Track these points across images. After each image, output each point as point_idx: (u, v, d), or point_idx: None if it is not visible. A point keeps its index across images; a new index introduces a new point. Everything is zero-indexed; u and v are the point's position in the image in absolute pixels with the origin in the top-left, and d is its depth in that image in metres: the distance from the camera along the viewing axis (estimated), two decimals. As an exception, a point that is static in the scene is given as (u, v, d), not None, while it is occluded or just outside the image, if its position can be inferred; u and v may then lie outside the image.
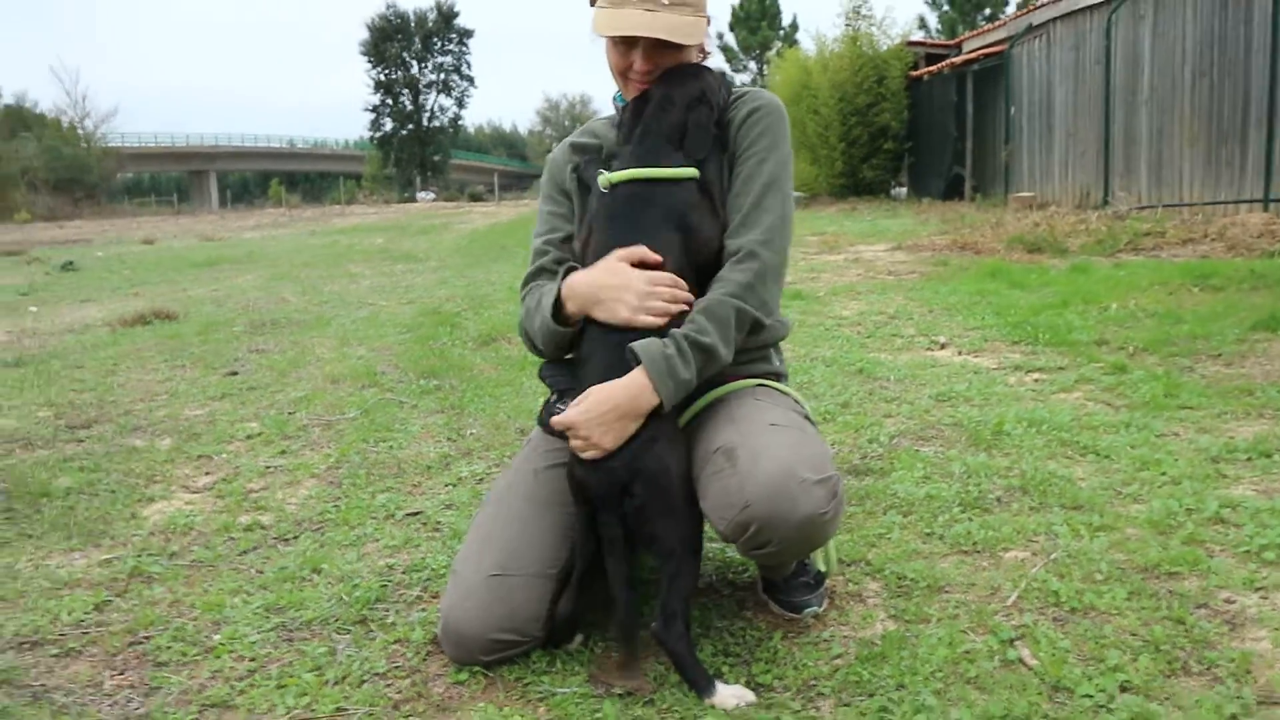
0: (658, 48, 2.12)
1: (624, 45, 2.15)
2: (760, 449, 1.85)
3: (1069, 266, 7.80)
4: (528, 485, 2.17)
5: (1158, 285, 6.61)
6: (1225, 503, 2.74)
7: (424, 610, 2.40)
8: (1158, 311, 5.75)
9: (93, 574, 2.79)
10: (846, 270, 9.42)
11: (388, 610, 2.44)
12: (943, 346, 5.39)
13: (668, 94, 2.12)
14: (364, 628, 2.36)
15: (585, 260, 2.12)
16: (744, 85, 2.31)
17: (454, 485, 3.42)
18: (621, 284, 1.97)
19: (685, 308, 1.99)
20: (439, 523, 3.04)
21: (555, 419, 1.96)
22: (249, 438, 4.19)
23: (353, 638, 2.29)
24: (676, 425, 2.03)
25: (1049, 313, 5.91)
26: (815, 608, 2.24)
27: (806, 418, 2.15)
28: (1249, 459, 3.17)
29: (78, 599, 2.59)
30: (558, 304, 2.06)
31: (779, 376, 2.38)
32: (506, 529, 2.10)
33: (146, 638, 2.35)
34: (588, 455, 1.91)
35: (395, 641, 2.25)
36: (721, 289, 2.03)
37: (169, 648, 2.29)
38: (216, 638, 2.32)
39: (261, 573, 2.73)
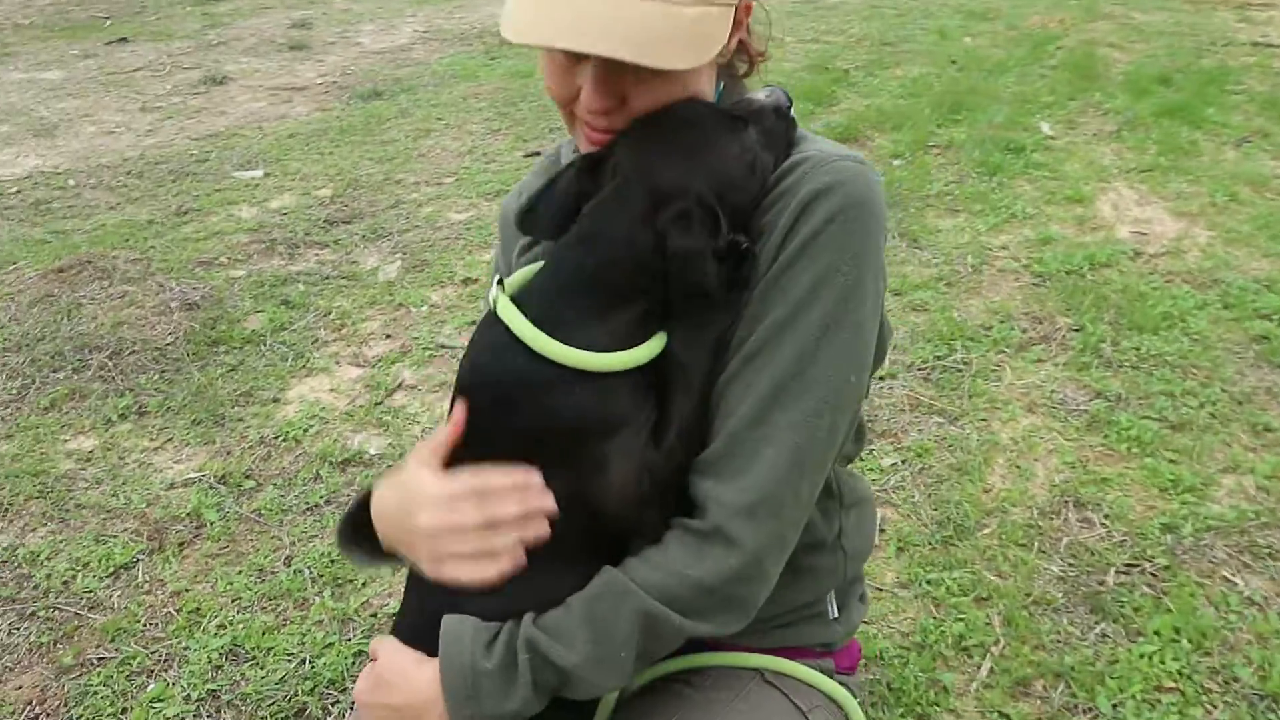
0: (618, 70, 1.07)
1: (563, 56, 1.11)
2: None
3: None
4: None
5: None
6: None
7: (344, 740, 1.95)
8: None
9: (164, 501, 2.64)
10: None
11: (335, 702, 2.02)
12: None
13: (631, 188, 1.11)
14: (293, 727, 1.98)
15: None
16: (813, 136, 1.20)
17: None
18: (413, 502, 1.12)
19: (535, 537, 1.08)
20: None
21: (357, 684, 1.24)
22: (464, 282, 3.79)
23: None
24: None
25: None
26: None
27: None
28: None
29: (113, 551, 2.46)
30: (358, 514, 1.24)
31: (828, 646, 1.39)
32: None
33: (95, 661, 2.15)
34: None
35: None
36: (643, 568, 1.08)
37: (95, 693, 2.07)
38: (143, 695, 2.06)
39: (288, 564, 2.42)
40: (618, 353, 1.06)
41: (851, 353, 1.08)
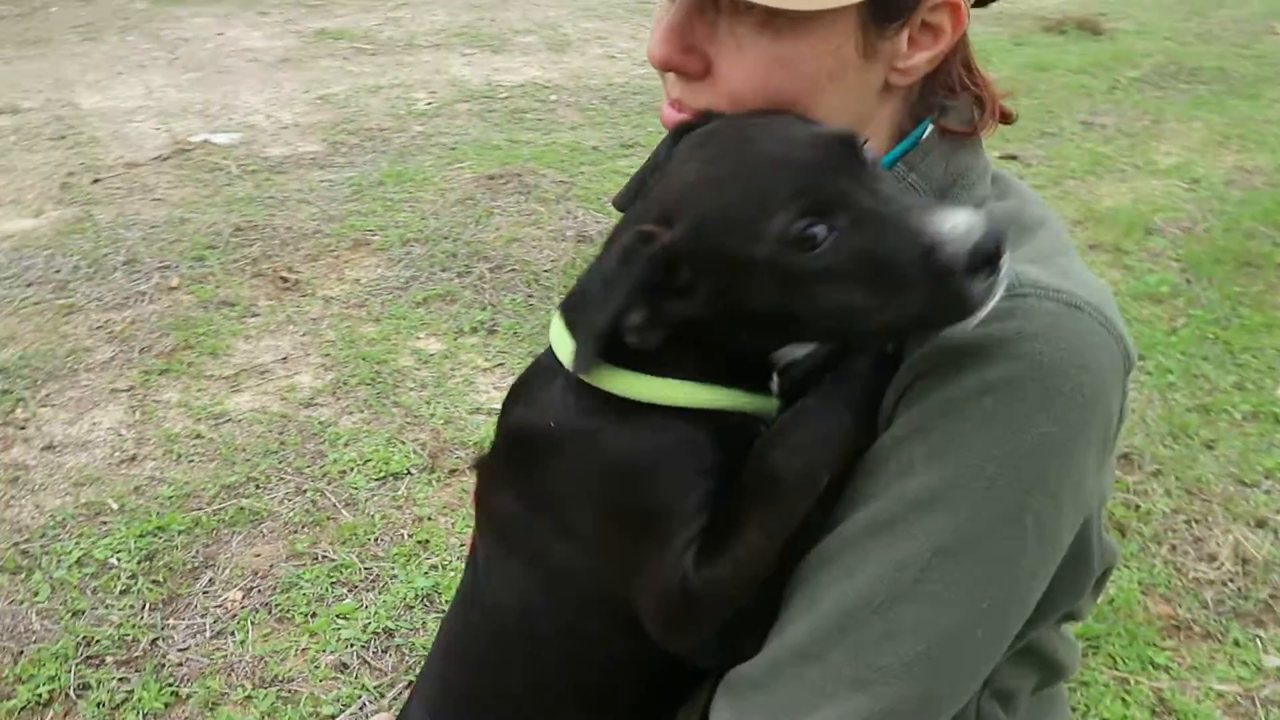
0: (704, 12, 0.74)
1: None
2: None
3: None
4: None
5: None
6: None
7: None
8: None
9: (460, 424, 2.68)
10: None
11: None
12: None
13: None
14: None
15: None
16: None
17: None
18: None
19: None
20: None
21: None
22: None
23: None
24: None
25: None
26: None
27: None
28: None
29: (392, 457, 2.54)
30: None
31: None
32: None
33: (318, 558, 2.23)
34: None
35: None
36: None
37: (300, 589, 2.13)
38: (336, 607, 2.08)
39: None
40: (652, 379, 0.75)
41: (979, 598, 0.67)
